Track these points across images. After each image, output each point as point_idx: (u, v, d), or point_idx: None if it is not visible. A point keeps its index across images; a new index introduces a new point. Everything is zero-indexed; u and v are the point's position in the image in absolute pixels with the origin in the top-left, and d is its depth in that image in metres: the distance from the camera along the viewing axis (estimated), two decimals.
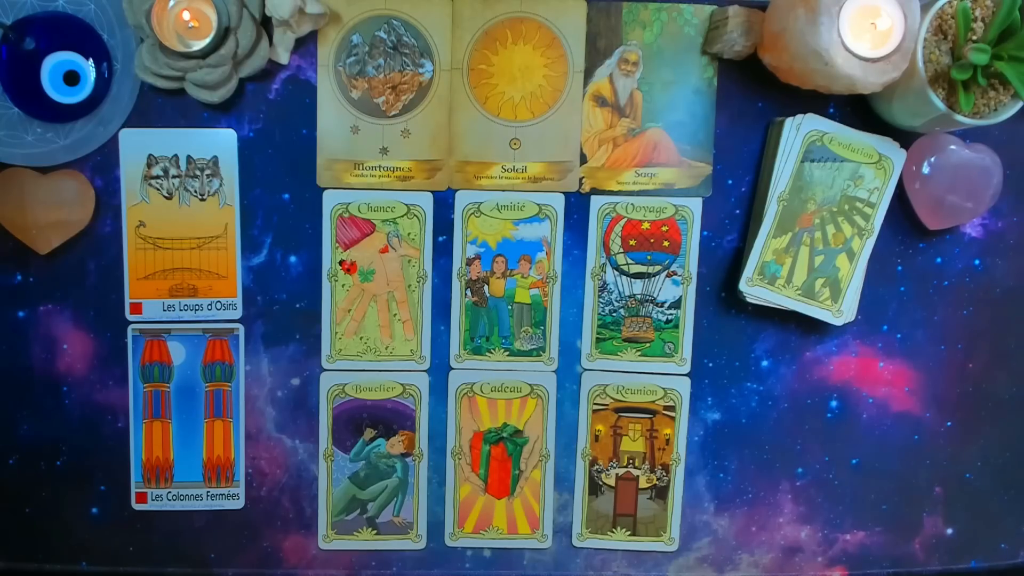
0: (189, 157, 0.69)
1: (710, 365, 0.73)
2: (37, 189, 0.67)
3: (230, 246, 0.70)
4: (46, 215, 0.68)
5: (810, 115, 0.68)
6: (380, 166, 0.70)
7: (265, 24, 0.67)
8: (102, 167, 0.69)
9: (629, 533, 0.74)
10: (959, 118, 0.62)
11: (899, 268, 0.72)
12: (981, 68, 0.60)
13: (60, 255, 0.69)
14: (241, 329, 0.71)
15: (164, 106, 0.69)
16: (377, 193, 0.70)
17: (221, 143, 0.69)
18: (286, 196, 0.70)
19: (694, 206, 0.71)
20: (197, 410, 0.72)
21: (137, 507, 0.72)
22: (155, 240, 0.70)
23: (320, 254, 0.71)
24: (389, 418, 0.72)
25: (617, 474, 0.73)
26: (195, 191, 0.69)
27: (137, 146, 0.69)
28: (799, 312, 0.70)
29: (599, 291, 0.72)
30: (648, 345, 0.72)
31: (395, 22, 0.69)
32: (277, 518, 0.73)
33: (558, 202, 0.71)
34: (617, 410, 0.73)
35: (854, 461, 0.74)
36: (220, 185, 0.69)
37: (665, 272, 0.72)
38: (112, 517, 0.72)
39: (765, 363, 0.73)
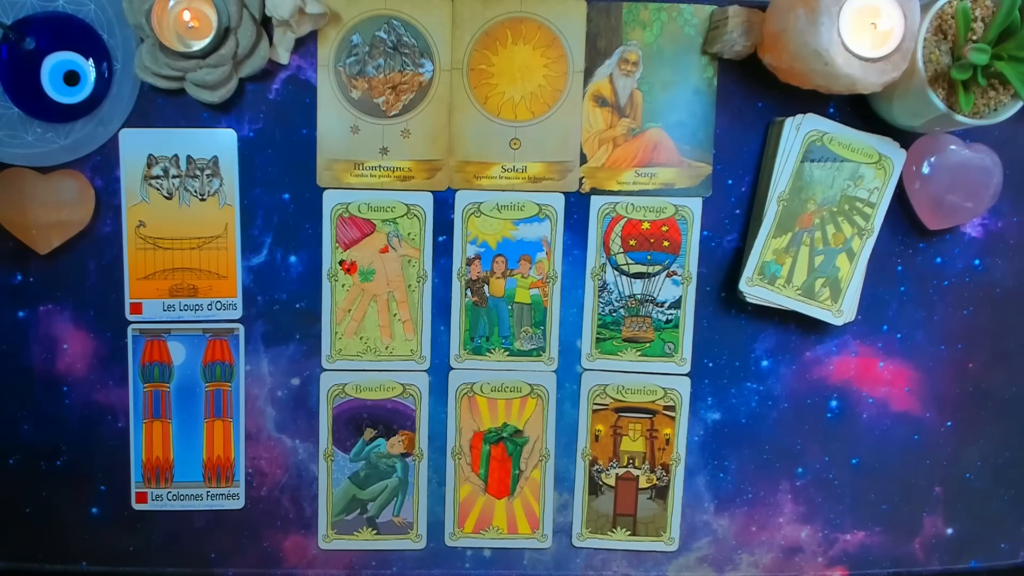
0: (189, 157, 0.69)
1: (710, 365, 0.73)
2: (37, 189, 0.67)
3: (230, 246, 0.70)
4: (46, 215, 0.68)
5: (810, 115, 0.68)
6: (380, 166, 0.70)
7: (265, 24, 0.67)
8: (102, 167, 0.69)
9: (629, 533, 0.74)
10: (959, 118, 0.62)
11: (899, 268, 0.72)
12: (981, 68, 0.60)
13: (60, 255, 0.69)
14: (241, 329, 0.71)
15: (164, 106, 0.69)
16: (377, 193, 0.70)
17: (221, 143, 0.69)
18: (286, 196, 0.70)
19: (694, 206, 0.71)
20: (197, 410, 0.72)
21: (137, 507, 0.72)
22: (155, 240, 0.70)
23: (320, 254, 0.71)
24: (389, 418, 0.73)
25: (617, 474, 0.73)
26: (195, 191, 0.69)
27: (137, 146, 0.69)
28: (799, 312, 0.70)
29: (599, 291, 0.72)
30: (648, 345, 0.72)
31: (395, 22, 0.69)
32: (277, 518, 0.73)
33: (558, 202, 0.71)
34: (617, 410, 0.73)
35: (854, 461, 0.74)
36: (220, 185, 0.70)
37: (665, 272, 0.72)
38: (112, 517, 0.72)
39: (765, 363, 0.73)
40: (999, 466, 0.75)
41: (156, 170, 0.69)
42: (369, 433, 0.73)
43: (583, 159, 0.70)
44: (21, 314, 0.70)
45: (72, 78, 0.66)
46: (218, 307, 0.71)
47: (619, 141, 0.70)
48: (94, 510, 0.72)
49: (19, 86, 0.66)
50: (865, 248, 0.70)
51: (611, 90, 0.70)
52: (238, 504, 0.73)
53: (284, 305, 0.71)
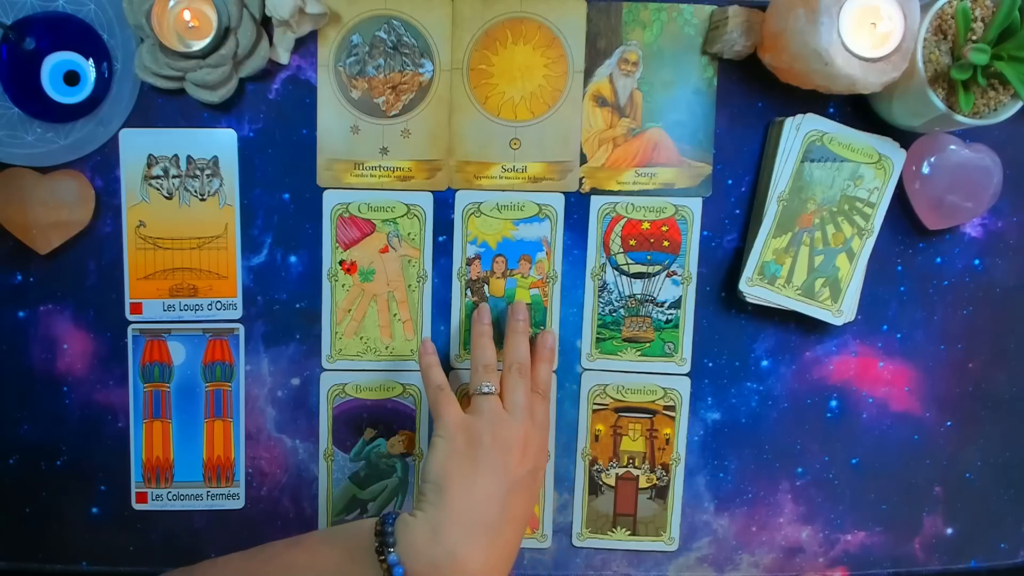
0: (189, 157, 0.69)
1: (710, 365, 0.73)
2: (37, 189, 0.67)
3: (230, 246, 0.70)
4: (46, 215, 0.68)
5: (810, 115, 0.68)
6: (380, 166, 0.70)
7: (265, 24, 0.67)
8: (102, 167, 0.69)
9: (629, 533, 0.74)
10: (959, 118, 0.62)
11: (899, 268, 0.72)
12: (981, 68, 0.60)
13: (60, 255, 0.69)
14: (241, 329, 0.71)
15: (164, 106, 0.69)
16: (377, 193, 0.70)
17: (221, 143, 0.69)
18: (286, 196, 0.70)
19: (694, 206, 0.71)
20: (197, 410, 0.72)
21: (137, 507, 0.72)
22: (155, 240, 0.70)
23: (320, 254, 0.71)
24: (389, 418, 0.72)
25: (617, 474, 0.73)
26: (195, 191, 0.69)
27: (137, 146, 0.69)
28: (799, 312, 0.70)
29: (599, 291, 0.72)
30: (648, 345, 0.72)
31: (395, 22, 0.69)
32: (277, 518, 0.73)
33: (558, 202, 0.71)
34: (617, 410, 0.73)
35: (854, 461, 0.74)
36: (220, 185, 0.70)
37: (665, 272, 0.72)
38: (112, 517, 0.72)
39: (765, 363, 0.73)
40: (999, 466, 0.75)
41: (156, 170, 0.69)
42: (369, 433, 0.73)
43: (583, 159, 0.70)
44: (21, 314, 0.70)
45: (72, 78, 0.66)
46: (218, 307, 0.71)
47: (619, 141, 0.70)
48: (94, 510, 0.72)
49: (19, 86, 0.66)
50: (865, 248, 0.70)
51: (611, 90, 0.70)
52: (238, 504, 0.73)
53: (284, 305, 0.71)
